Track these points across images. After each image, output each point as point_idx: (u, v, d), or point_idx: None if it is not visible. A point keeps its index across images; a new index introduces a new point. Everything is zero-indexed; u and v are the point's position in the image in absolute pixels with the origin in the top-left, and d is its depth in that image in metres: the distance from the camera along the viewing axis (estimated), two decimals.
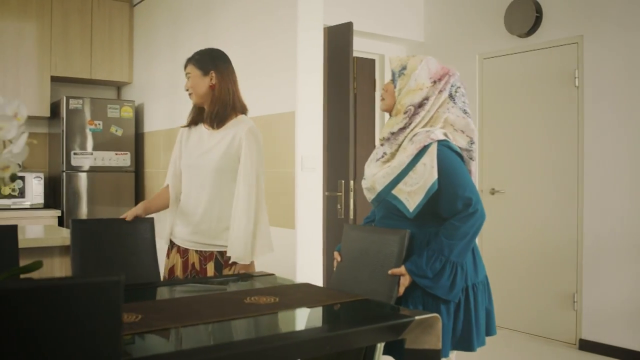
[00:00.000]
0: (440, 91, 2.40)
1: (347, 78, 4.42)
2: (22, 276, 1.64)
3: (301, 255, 3.73)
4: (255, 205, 2.73)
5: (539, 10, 4.98)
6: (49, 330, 1.14)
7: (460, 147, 2.41)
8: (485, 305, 2.42)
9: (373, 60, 5.97)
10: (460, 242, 2.28)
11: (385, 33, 5.63)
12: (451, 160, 2.32)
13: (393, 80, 2.46)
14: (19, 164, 1.53)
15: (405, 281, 2.30)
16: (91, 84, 6.28)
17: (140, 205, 2.95)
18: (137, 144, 5.99)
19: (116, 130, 5.75)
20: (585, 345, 4.66)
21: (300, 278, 3.62)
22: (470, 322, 2.32)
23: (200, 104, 2.92)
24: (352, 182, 4.40)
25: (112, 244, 2.85)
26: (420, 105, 2.38)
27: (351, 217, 4.40)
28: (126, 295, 1.24)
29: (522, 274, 5.12)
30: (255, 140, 2.79)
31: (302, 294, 2.27)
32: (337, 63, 4.49)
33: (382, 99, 2.52)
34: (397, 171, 2.35)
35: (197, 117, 2.96)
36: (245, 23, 4.39)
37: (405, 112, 2.40)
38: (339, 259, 2.65)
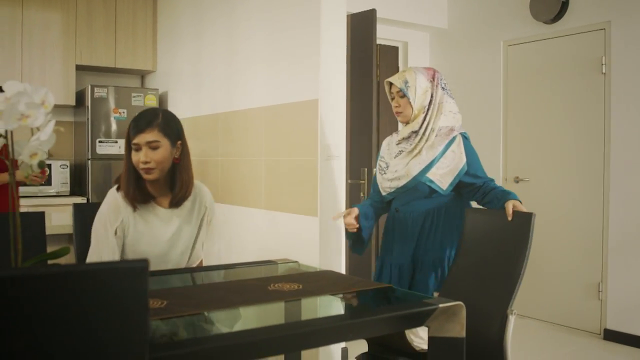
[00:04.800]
0: (437, 85, 2.87)
1: (371, 65, 4.40)
2: (49, 262, 1.66)
3: (324, 243, 3.73)
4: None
5: None
6: (77, 316, 1.16)
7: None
8: None
9: (396, 48, 5.93)
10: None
11: (409, 20, 5.59)
12: (471, 149, 2.86)
13: (403, 95, 2.86)
14: (46, 151, 1.54)
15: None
16: (115, 72, 6.32)
17: None
18: None
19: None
20: (610, 335, 4.61)
21: (323, 265, 3.62)
22: None
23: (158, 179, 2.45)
24: (375, 170, 4.39)
25: None
26: (430, 102, 2.85)
27: None
28: (150, 281, 1.25)
29: (547, 263, 5.07)
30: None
31: (325, 281, 2.27)
32: (360, 50, 4.47)
33: (399, 113, 2.91)
34: (431, 158, 2.77)
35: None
36: (269, 10, 4.39)
37: (423, 113, 2.85)
38: (354, 223, 2.86)
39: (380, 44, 5.56)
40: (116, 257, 2.38)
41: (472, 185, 2.79)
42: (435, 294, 2.65)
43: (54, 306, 1.13)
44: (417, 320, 1.93)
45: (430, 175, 2.77)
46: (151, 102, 5.86)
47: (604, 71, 4.71)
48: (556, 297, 5.03)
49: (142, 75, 6.60)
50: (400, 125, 3.02)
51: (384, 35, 5.52)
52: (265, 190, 4.33)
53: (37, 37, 5.62)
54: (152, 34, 6.21)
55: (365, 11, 4.49)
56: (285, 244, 4.11)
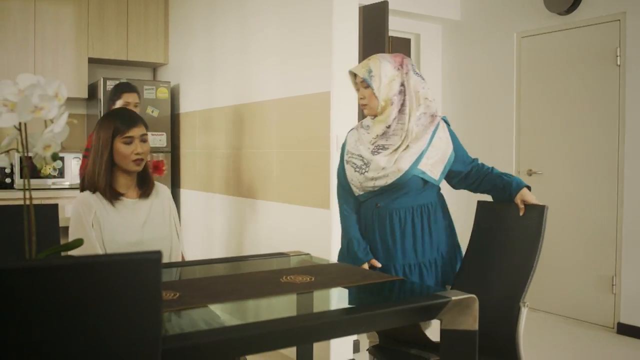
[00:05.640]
0: (407, 73, 2.66)
1: None
2: (63, 254, 1.67)
3: (336, 235, 3.73)
4: None
5: None
6: (91, 307, 1.16)
7: None
8: None
9: (409, 40, 5.90)
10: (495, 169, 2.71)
11: (422, 12, 5.56)
12: (453, 134, 2.74)
13: (367, 86, 2.64)
14: (59, 144, 1.55)
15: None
16: (127, 65, 6.34)
17: None
18: (173, 124, 6.04)
19: (152, 111, 5.81)
20: (624, 329, 4.59)
21: (335, 258, 3.62)
22: None
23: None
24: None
25: None
26: (400, 91, 2.64)
27: None
28: (163, 273, 1.26)
29: (560, 257, 5.04)
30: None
31: (337, 274, 2.27)
32: (372, 43, 4.45)
33: (364, 105, 2.69)
34: (421, 149, 2.60)
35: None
36: (281, 2, 4.38)
37: (392, 104, 2.63)
38: (378, 264, 2.66)
39: (392, 36, 5.54)
40: (99, 251, 2.45)
41: (461, 172, 2.69)
42: (448, 287, 2.64)
43: (68, 298, 1.14)
44: (430, 313, 1.92)
45: (421, 166, 2.60)
46: (163, 94, 5.88)
47: (618, 63, 4.66)
48: (569, 291, 5.01)
49: (154, 68, 6.61)
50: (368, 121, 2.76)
51: (396, 27, 5.49)
52: (277, 183, 4.34)
53: (49, 30, 5.65)
54: (164, 27, 6.22)
55: (377, 3, 4.47)
56: (297, 236, 4.11)
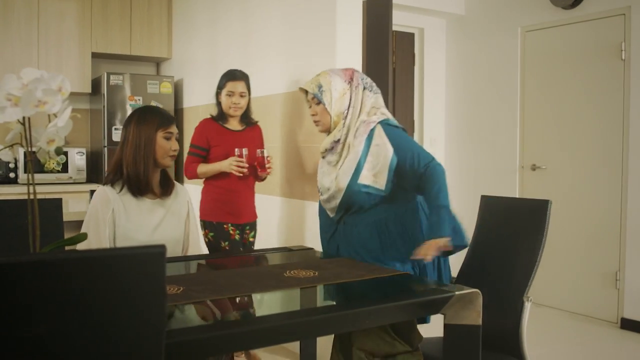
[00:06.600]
0: (357, 86, 2.58)
1: (386, 52, 4.36)
2: (67, 248, 1.67)
3: None
4: None
5: None
6: (95, 300, 1.17)
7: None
8: None
9: (412, 35, 5.89)
10: (442, 190, 2.42)
11: (425, 6, 5.54)
12: (397, 134, 2.53)
13: (318, 102, 2.58)
14: (63, 138, 1.55)
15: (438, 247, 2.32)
16: (131, 60, 6.34)
17: None
18: (177, 119, 6.04)
19: (156, 106, 5.81)
20: (627, 324, 4.58)
21: None
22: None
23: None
24: None
25: None
26: (349, 105, 2.57)
27: None
28: (167, 267, 1.26)
29: (564, 251, 5.04)
30: None
31: (341, 268, 2.27)
32: (375, 37, 4.43)
33: (317, 122, 2.62)
34: (356, 162, 2.49)
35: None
36: None
37: (344, 119, 2.56)
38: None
39: (396, 31, 5.52)
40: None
41: (405, 177, 2.47)
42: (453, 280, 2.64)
43: (72, 291, 1.14)
44: (434, 308, 1.92)
45: (362, 180, 2.48)
46: (167, 89, 5.87)
47: (623, 57, 4.64)
48: (573, 286, 5.00)
49: (158, 62, 6.61)
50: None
51: (400, 21, 5.48)
52: (281, 177, 4.34)
53: (53, 25, 5.65)
54: (167, 21, 6.22)
55: None
56: (301, 231, 4.11)
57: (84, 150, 5.76)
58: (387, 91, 4.39)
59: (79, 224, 3.29)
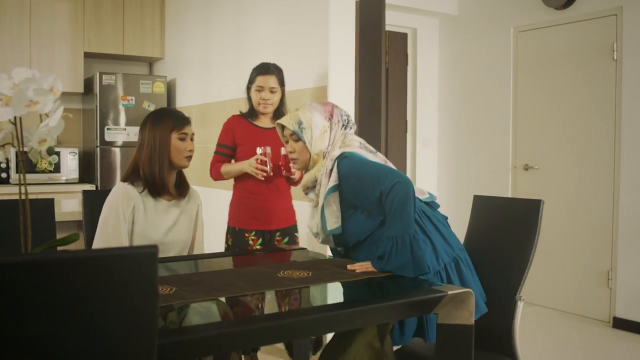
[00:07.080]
0: (336, 123, 2.45)
1: (379, 53, 4.37)
2: (59, 248, 1.67)
3: None
4: None
5: None
6: (86, 301, 1.16)
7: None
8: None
9: (405, 35, 5.89)
10: (398, 216, 2.19)
11: (418, 6, 5.55)
12: (351, 164, 2.33)
13: (297, 139, 2.43)
14: (55, 138, 1.54)
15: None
16: (124, 59, 6.33)
17: None
18: None
19: (149, 106, 5.80)
20: (620, 324, 4.60)
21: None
22: None
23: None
24: None
25: None
26: (329, 144, 2.44)
27: None
28: (159, 268, 1.25)
29: (556, 251, 5.06)
30: None
31: (334, 269, 2.27)
32: (368, 37, 4.44)
33: (295, 160, 2.48)
34: (321, 205, 2.38)
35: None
36: None
37: (323, 157, 2.43)
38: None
39: (389, 31, 5.53)
40: (125, 244, 2.49)
41: (370, 206, 2.31)
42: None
43: (63, 292, 1.13)
44: (426, 307, 1.93)
45: (330, 225, 2.38)
46: (159, 89, 5.86)
47: (615, 57, 4.67)
48: (565, 285, 5.02)
49: (151, 62, 6.59)
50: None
51: (392, 21, 5.48)
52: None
53: (45, 24, 5.63)
54: (160, 21, 6.20)
55: None
56: None
57: (76, 150, 5.74)
58: (380, 91, 4.40)
59: (71, 224, 3.28)
